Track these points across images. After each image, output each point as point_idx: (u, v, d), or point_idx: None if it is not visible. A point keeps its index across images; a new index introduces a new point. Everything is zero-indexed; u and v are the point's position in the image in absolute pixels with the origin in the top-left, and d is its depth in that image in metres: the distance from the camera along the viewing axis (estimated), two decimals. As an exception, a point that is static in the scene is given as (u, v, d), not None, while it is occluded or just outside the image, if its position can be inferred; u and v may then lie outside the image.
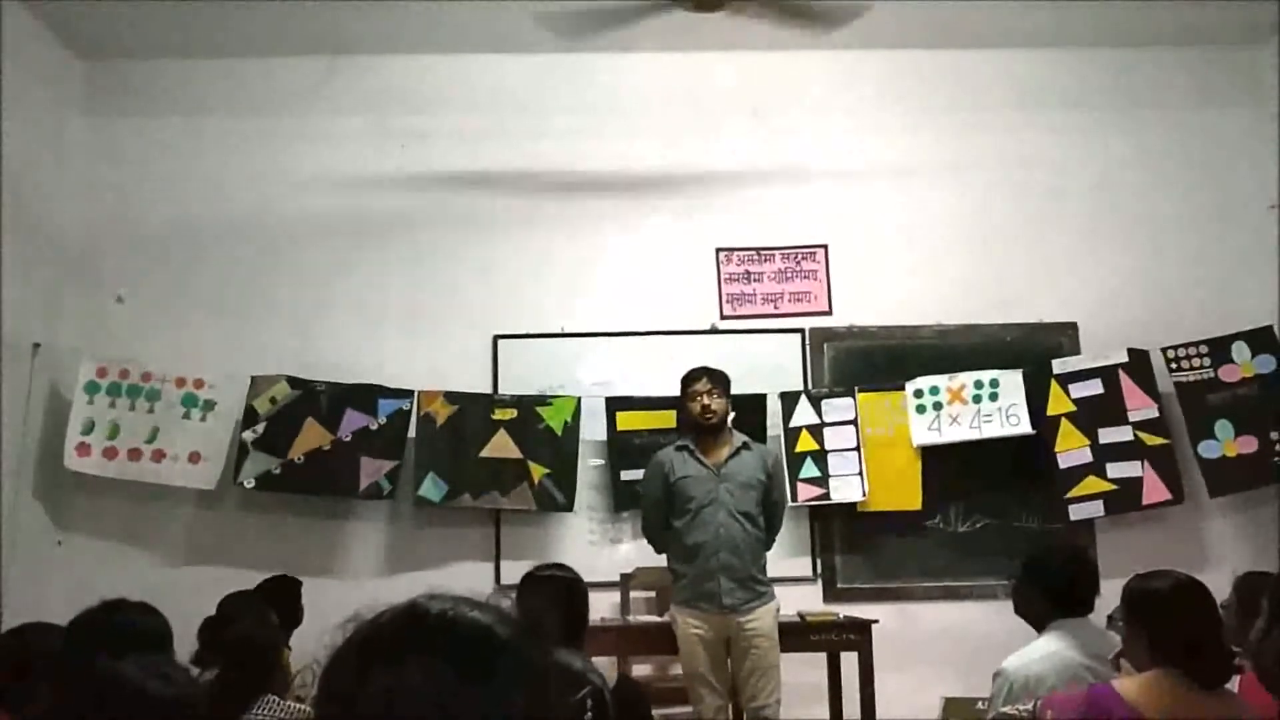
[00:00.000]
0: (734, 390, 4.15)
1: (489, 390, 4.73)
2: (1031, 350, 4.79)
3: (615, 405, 4.68)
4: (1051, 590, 2.81)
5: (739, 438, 4.09)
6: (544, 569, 3.03)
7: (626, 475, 4.55)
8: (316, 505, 4.54)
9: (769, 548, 4.06)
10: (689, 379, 4.06)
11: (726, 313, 4.88)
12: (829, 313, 4.90)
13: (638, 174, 4.89)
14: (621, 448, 4.63)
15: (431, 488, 4.52)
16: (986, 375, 4.70)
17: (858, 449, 4.67)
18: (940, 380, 4.72)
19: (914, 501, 4.67)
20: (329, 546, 4.60)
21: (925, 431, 4.69)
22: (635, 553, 4.55)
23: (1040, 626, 2.83)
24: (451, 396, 4.61)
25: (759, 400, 4.66)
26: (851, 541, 4.76)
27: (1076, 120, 4.97)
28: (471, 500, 4.53)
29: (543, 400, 4.63)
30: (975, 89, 4.98)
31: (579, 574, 2.99)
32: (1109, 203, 4.94)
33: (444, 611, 1.30)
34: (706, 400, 3.94)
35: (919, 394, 4.71)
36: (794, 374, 4.83)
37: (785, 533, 4.30)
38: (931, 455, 4.67)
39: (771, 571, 4.05)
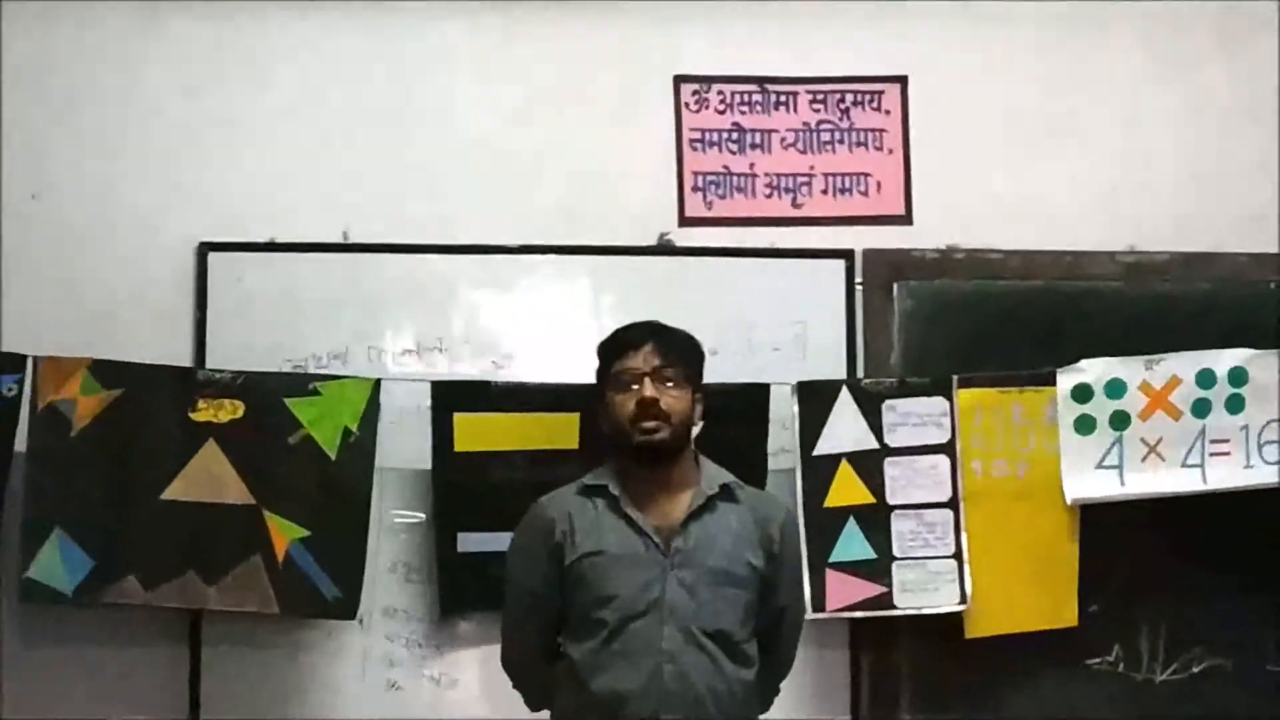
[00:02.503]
0: (707, 376, 3.81)
1: (186, 360, 4.42)
2: (1310, 312, 4.66)
3: (451, 398, 4.36)
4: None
5: (712, 474, 3.74)
6: None
7: (470, 543, 4.31)
8: None
9: (766, 707, 3.78)
10: (615, 346, 3.77)
11: (692, 213, 4.64)
12: (905, 219, 4.69)
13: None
14: (463, 487, 4.35)
15: (58, 565, 4.22)
16: (1223, 360, 4.42)
17: (953, 505, 4.37)
18: (1126, 368, 4.45)
19: (1063, 613, 4.40)
20: None
21: (1091, 473, 4.41)
22: (485, 706, 4.33)
23: None
24: (107, 371, 4.27)
25: (754, 396, 4.38)
26: (936, 695, 4.54)
27: None
28: (142, 592, 4.22)
29: (300, 384, 4.31)
30: None
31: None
32: None
33: None
34: (651, 391, 3.60)
35: (1082, 395, 4.44)
36: (828, 345, 4.59)
37: (800, 676, 4.03)
38: (1101, 522, 4.42)
39: (770, 755, 3.81)
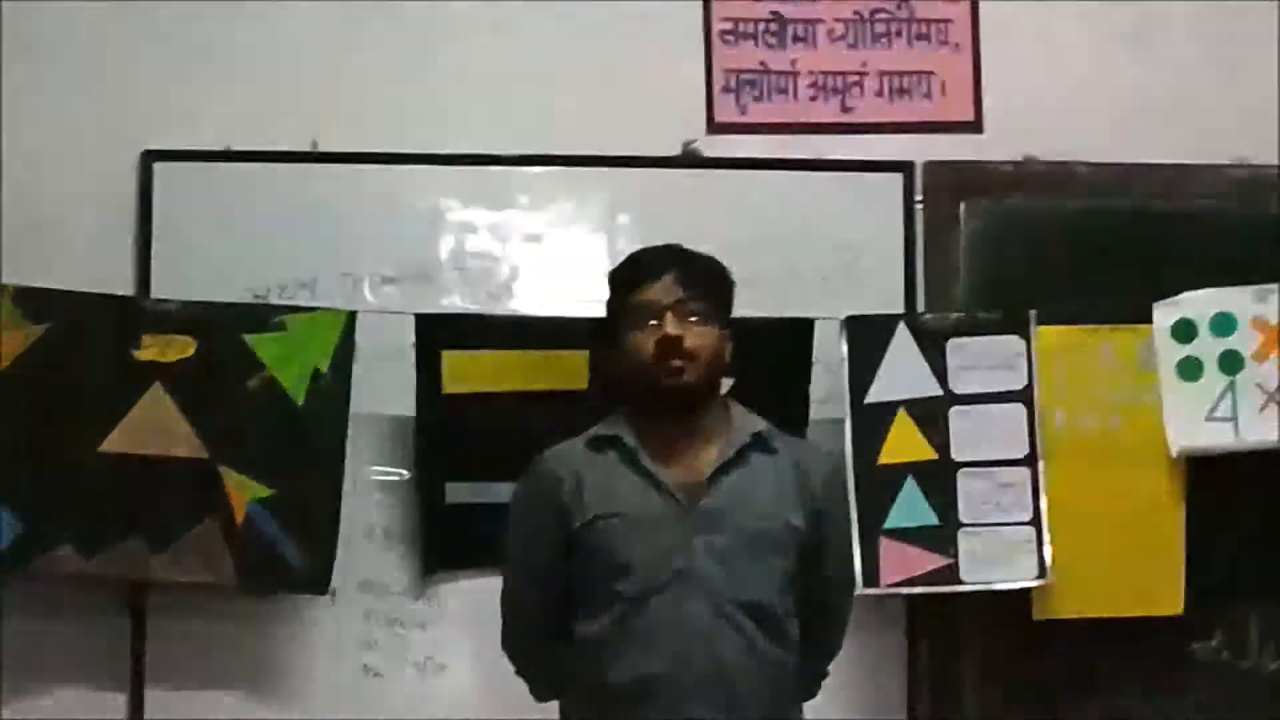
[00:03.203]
0: (738, 309, 3.74)
1: (128, 289, 4.36)
2: None
3: (439, 334, 4.32)
4: None
5: (744, 422, 3.69)
6: None
7: (460, 494, 4.31)
8: None
9: (811, 694, 3.76)
10: (630, 275, 3.73)
11: (723, 117, 4.58)
12: (974, 125, 4.63)
13: None
14: (452, 435, 4.33)
15: None
16: (1354, 289, 4.34)
17: (1031, 462, 4.29)
18: (1234, 299, 4.38)
19: (1165, 597, 4.33)
20: None
21: (1201, 425, 4.32)
22: (479, 696, 4.29)
23: None
24: (33, 301, 4.21)
25: (795, 334, 4.35)
26: (1009, 686, 4.49)
27: None
28: (79, 560, 4.16)
29: (262, 318, 4.26)
30: None
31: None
32: None
33: None
34: (674, 328, 3.56)
35: (1185, 332, 4.37)
36: (882, 274, 4.54)
37: (847, 665, 3.96)
38: (1203, 485, 4.37)
39: (814, 748, 3.73)
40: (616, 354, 3.65)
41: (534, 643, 3.71)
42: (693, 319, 3.56)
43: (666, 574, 3.49)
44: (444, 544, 4.31)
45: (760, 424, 3.64)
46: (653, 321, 3.54)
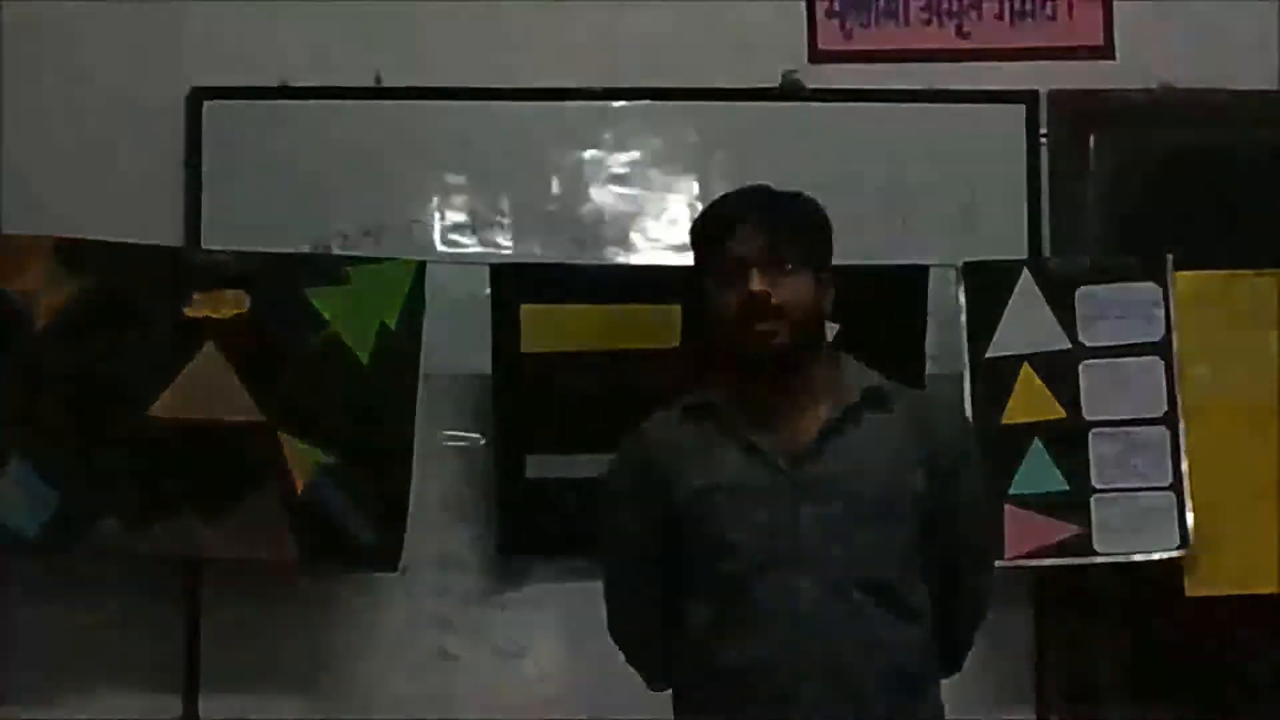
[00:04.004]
0: (843, 256, 3.63)
1: (177, 240, 4.37)
2: None
3: (517, 285, 4.31)
4: None
5: (856, 376, 3.62)
6: None
7: (541, 467, 4.33)
8: None
9: (954, 668, 3.70)
10: (711, 224, 3.67)
11: (826, 45, 4.61)
12: (1104, 50, 4.61)
13: None
14: (532, 397, 4.32)
15: (20, 503, 4.17)
16: None
17: (1170, 421, 4.26)
18: None
19: None
20: None
21: None
22: (562, 680, 4.33)
23: None
24: (76, 253, 4.20)
25: (908, 282, 4.33)
26: (1153, 675, 4.48)
27: None
28: (125, 535, 4.16)
29: (324, 269, 4.30)
30: None
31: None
32: None
33: None
34: (760, 283, 3.51)
35: None
36: (1004, 215, 4.50)
37: (986, 642, 3.82)
38: None
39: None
40: (704, 310, 3.59)
41: (642, 629, 3.69)
42: (785, 267, 3.46)
43: (772, 550, 3.41)
44: (523, 523, 4.30)
45: (874, 378, 3.53)
46: (742, 270, 3.48)
